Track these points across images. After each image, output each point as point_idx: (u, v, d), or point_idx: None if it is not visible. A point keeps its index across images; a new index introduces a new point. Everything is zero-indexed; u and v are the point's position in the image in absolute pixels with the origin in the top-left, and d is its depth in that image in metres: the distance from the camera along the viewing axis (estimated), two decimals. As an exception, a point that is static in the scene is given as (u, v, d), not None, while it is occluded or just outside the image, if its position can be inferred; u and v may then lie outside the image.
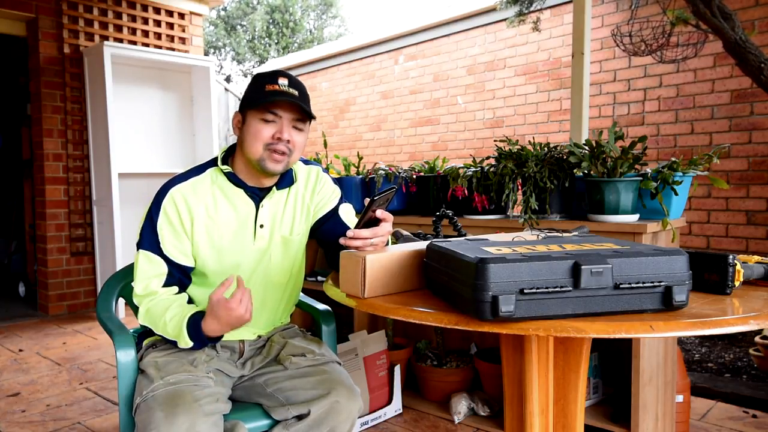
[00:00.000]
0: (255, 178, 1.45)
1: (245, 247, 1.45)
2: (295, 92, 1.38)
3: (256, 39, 16.74)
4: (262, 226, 1.46)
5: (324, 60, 7.10)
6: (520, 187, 2.21)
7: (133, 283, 1.42)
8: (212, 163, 1.48)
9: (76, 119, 4.41)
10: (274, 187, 1.47)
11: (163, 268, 1.39)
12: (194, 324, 1.32)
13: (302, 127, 1.42)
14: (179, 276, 1.42)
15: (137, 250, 1.42)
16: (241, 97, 1.49)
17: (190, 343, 1.33)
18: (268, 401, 1.41)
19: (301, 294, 1.73)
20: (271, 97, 1.35)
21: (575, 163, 2.04)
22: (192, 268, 1.44)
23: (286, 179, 1.50)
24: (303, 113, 1.40)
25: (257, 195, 1.46)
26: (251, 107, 1.39)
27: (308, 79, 7.32)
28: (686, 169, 1.99)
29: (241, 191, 1.45)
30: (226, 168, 1.44)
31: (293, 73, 7.38)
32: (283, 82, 1.38)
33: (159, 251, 1.39)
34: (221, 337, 1.37)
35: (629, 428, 1.99)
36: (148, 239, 1.40)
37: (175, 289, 1.42)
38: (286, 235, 1.49)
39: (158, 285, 1.39)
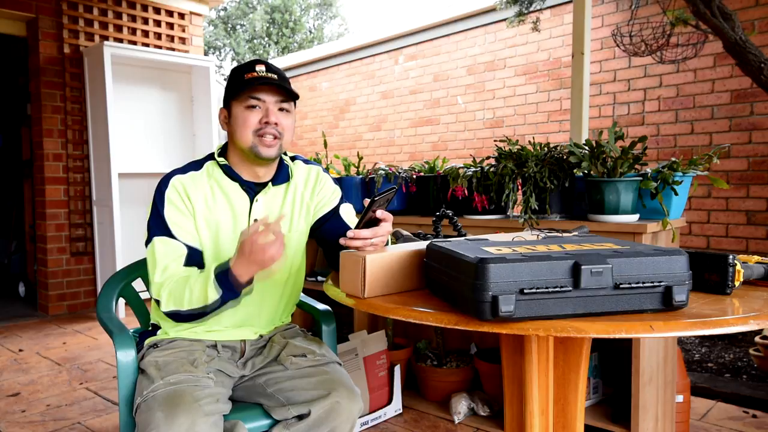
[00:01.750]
0: (250, 171, 1.46)
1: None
2: (275, 76, 1.39)
3: (255, 39, 16.73)
4: (256, 220, 1.45)
5: (324, 60, 7.10)
6: (520, 187, 2.21)
7: (150, 277, 1.38)
8: (209, 157, 1.49)
9: (76, 119, 4.41)
10: (270, 183, 1.48)
11: (182, 250, 1.38)
12: (222, 272, 1.27)
13: (288, 108, 1.43)
14: (197, 259, 1.40)
15: (150, 240, 1.38)
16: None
17: (218, 294, 1.27)
18: (268, 401, 1.41)
19: (302, 294, 1.73)
20: (252, 83, 1.37)
21: (575, 163, 2.04)
22: (202, 252, 1.42)
23: (282, 175, 1.50)
24: (285, 94, 1.41)
25: (252, 189, 1.47)
26: (234, 98, 1.41)
27: (308, 79, 7.32)
28: (686, 169, 1.99)
29: (236, 185, 1.46)
30: (222, 160, 1.46)
31: (293, 73, 7.39)
32: (260, 68, 1.40)
33: (172, 236, 1.38)
34: (250, 283, 1.29)
35: (629, 428, 1.99)
36: (159, 227, 1.39)
37: (196, 269, 1.39)
38: (284, 232, 1.49)
39: (176, 267, 1.36)
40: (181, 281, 1.33)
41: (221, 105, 1.51)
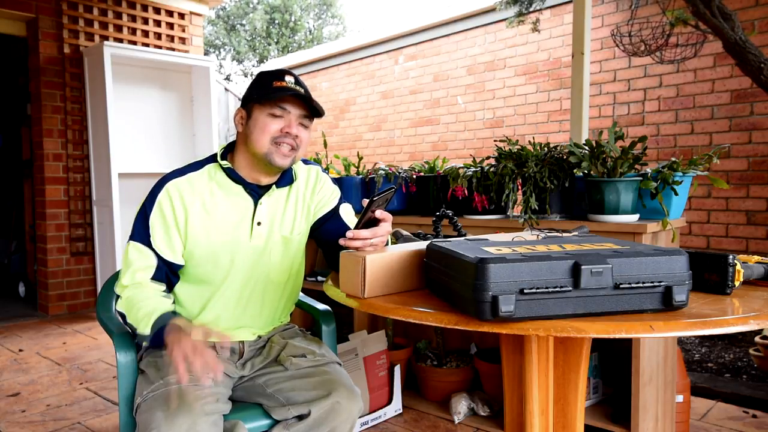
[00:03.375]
0: (255, 175, 1.45)
1: (241, 245, 1.44)
2: (302, 90, 1.40)
3: (255, 38, 16.74)
4: (259, 223, 1.45)
5: (324, 60, 7.10)
6: (520, 187, 2.21)
7: (120, 274, 1.41)
8: (211, 159, 1.48)
9: (76, 119, 4.41)
10: (274, 186, 1.47)
11: (152, 261, 1.39)
12: (161, 324, 1.27)
13: (308, 124, 1.44)
14: (166, 271, 1.41)
15: (129, 241, 1.42)
16: (241, 96, 1.49)
17: (147, 332, 1.28)
18: (268, 401, 1.41)
19: (301, 294, 1.73)
20: (281, 93, 1.36)
21: (575, 163, 2.04)
22: (180, 266, 1.43)
23: (285, 178, 1.49)
24: (310, 110, 1.42)
25: (256, 192, 1.46)
26: (259, 102, 1.40)
27: (308, 79, 7.32)
28: (686, 169, 1.99)
29: (240, 188, 1.45)
30: (226, 164, 1.44)
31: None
32: (289, 79, 1.40)
33: (149, 244, 1.39)
34: (162, 346, 1.28)
35: (629, 428, 1.99)
36: (140, 232, 1.40)
37: (163, 286, 1.41)
38: (286, 234, 1.49)
39: (145, 277, 1.38)
40: (142, 295, 1.35)
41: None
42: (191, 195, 1.41)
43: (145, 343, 1.35)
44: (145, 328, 1.30)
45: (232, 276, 1.45)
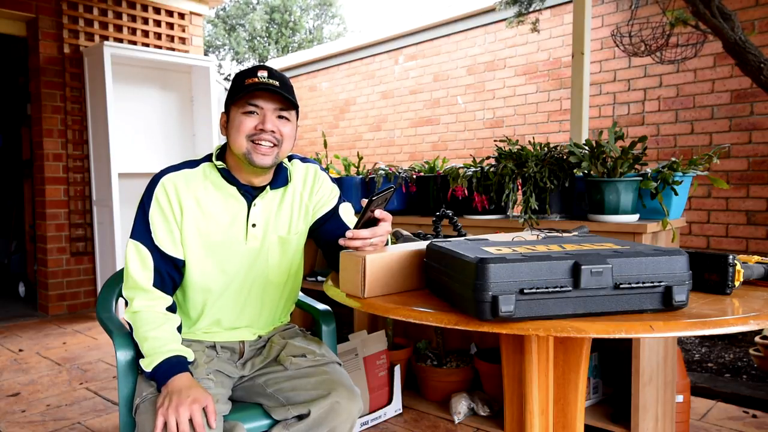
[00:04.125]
0: (247, 177, 1.43)
1: (236, 246, 1.43)
2: (276, 83, 1.36)
3: (255, 39, 16.74)
4: (254, 225, 1.43)
5: (324, 60, 7.10)
6: (520, 187, 2.21)
7: (125, 274, 1.40)
8: (206, 158, 1.47)
9: (76, 119, 4.41)
10: (268, 187, 1.45)
11: (150, 263, 1.37)
12: (164, 368, 1.28)
13: (288, 116, 1.40)
14: (168, 270, 1.39)
15: (131, 238, 1.40)
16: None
17: (149, 369, 1.29)
18: (268, 401, 1.40)
19: (301, 294, 1.73)
20: (251, 88, 1.33)
21: (575, 163, 2.04)
22: (183, 261, 1.41)
23: (280, 179, 1.47)
24: (285, 102, 1.37)
25: (250, 193, 1.44)
26: (233, 102, 1.38)
27: (308, 79, 7.32)
28: (686, 169, 1.99)
29: (233, 188, 1.43)
30: (220, 164, 1.43)
31: (293, 73, 7.40)
32: (262, 74, 1.36)
33: (150, 241, 1.38)
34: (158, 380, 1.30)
35: (629, 428, 1.99)
36: (140, 229, 1.39)
37: (169, 299, 1.39)
38: (283, 235, 1.48)
39: (149, 282, 1.37)
40: (153, 322, 1.34)
41: (222, 107, 1.49)
42: (186, 190, 1.40)
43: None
44: (147, 366, 1.30)
45: (229, 278, 1.44)
